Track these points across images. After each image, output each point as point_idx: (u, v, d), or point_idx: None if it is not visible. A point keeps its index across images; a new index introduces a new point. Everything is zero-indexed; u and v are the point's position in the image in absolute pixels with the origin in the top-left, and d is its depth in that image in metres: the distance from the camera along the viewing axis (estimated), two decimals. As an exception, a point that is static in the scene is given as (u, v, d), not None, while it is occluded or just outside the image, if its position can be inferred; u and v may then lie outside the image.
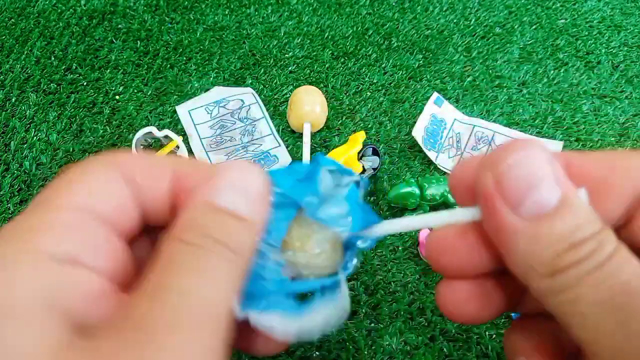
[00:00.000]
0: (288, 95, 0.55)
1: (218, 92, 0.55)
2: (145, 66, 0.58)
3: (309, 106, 0.50)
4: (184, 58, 0.59)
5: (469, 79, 0.58)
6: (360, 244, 0.19)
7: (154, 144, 0.51)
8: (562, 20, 0.66)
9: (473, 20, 0.65)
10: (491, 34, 0.64)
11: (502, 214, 0.14)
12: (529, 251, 0.13)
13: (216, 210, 0.16)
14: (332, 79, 0.57)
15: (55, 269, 0.15)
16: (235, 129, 0.53)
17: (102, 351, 0.13)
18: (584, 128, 0.54)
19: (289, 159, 0.50)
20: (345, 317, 0.19)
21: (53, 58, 0.58)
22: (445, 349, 0.39)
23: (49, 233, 0.15)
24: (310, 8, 0.66)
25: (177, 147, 0.48)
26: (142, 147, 0.48)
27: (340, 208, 0.19)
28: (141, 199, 0.18)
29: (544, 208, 0.13)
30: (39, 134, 0.51)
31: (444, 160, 0.51)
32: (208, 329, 0.14)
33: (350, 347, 0.38)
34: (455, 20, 0.65)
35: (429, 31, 0.64)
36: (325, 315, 0.18)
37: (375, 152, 0.49)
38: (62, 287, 0.14)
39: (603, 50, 0.62)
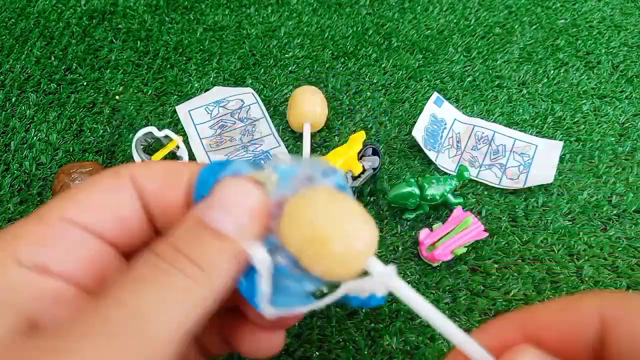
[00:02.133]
0: (288, 95, 0.55)
1: (218, 92, 0.55)
2: (145, 66, 0.58)
3: (309, 106, 0.50)
4: (184, 58, 0.59)
5: (469, 79, 0.58)
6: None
7: (154, 144, 0.51)
8: (562, 20, 0.66)
9: (473, 20, 0.65)
10: (491, 34, 0.64)
11: None
12: None
13: (200, 227, 0.16)
14: (332, 79, 0.57)
15: (19, 273, 0.16)
16: (235, 129, 0.53)
17: (27, 352, 0.14)
18: (584, 128, 0.54)
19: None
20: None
21: (53, 58, 0.58)
22: (445, 349, 0.39)
23: (25, 242, 0.16)
24: (310, 8, 0.66)
25: (177, 147, 0.48)
26: (142, 147, 0.48)
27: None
28: (153, 209, 0.18)
29: None
30: (39, 134, 0.51)
31: (444, 160, 0.51)
32: (134, 347, 0.14)
33: (350, 347, 0.38)
34: (455, 20, 0.65)
35: (429, 31, 0.64)
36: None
37: (375, 152, 0.49)
38: (20, 289, 0.16)
39: (603, 50, 0.62)
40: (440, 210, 0.47)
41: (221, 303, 0.17)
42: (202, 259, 0.16)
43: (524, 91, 0.57)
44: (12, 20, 0.62)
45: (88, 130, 0.52)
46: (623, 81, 0.58)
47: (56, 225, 0.17)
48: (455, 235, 0.43)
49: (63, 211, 0.17)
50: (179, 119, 0.53)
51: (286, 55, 0.60)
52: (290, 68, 0.58)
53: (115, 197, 0.18)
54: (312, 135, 0.51)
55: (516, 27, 0.65)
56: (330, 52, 0.60)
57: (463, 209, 0.45)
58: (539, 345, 0.15)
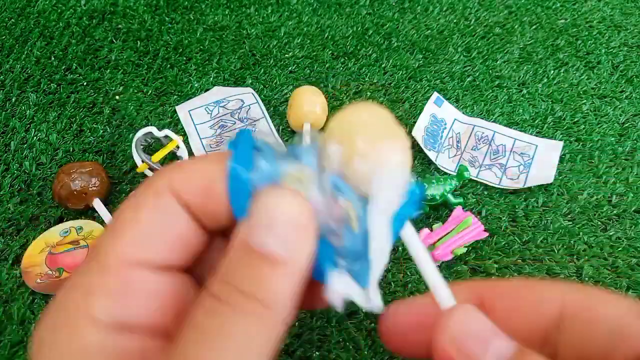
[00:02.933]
0: (288, 95, 0.55)
1: (218, 92, 0.55)
2: (145, 66, 0.58)
3: (309, 106, 0.50)
4: (184, 58, 0.59)
5: (469, 79, 0.58)
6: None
7: (154, 144, 0.51)
8: (562, 20, 0.66)
9: (473, 20, 0.65)
10: (491, 34, 0.64)
11: None
12: None
13: (250, 255, 0.15)
14: (332, 79, 0.57)
15: (98, 335, 0.15)
16: (235, 129, 0.53)
17: None
18: (584, 128, 0.54)
19: (289, 159, 0.50)
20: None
21: (53, 58, 0.58)
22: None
23: (98, 297, 0.15)
24: (310, 8, 0.66)
25: (177, 147, 0.48)
26: (142, 147, 0.48)
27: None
28: (206, 217, 0.17)
29: (504, 357, 0.14)
30: (39, 134, 0.51)
31: (444, 160, 0.51)
32: None
33: (350, 347, 0.38)
34: (455, 20, 0.65)
35: (429, 31, 0.64)
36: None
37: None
38: (103, 354, 0.14)
39: (603, 50, 0.62)
40: (440, 210, 0.47)
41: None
42: (262, 294, 0.14)
43: (524, 91, 0.57)
44: (12, 20, 0.62)
45: (88, 130, 0.52)
46: (623, 81, 0.58)
47: (122, 272, 0.15)
48: (455, 235, 0.43)
49: (122, 253, 0.16)
50: (179, 119, 0.53)
51: (286, 55, 0.60)
52: (290, 68, 0.58)
53: (166, 220, 0.16)
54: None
55: (516, 27, 0.65)
56: (330, 52, 0.60)
57: (463, 209, 0.45)
58: (490, 314, 0.15)
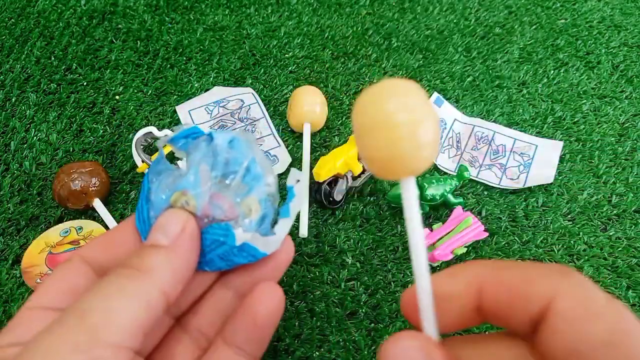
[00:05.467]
0: (288, 95, 0.55)
1: (218, 92, 0.55)
2: (145, 66, 0.58)
3: (309, 106, 0.50)
4: (184, 58, 0.59)
5: (469, 79, 0.58)
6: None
7: (154, 144, 0.51)
8: (562, 20, 0.66)
9: (473, 20, 0.65)
10: (491, 34, 0.64)
11: None
12: None
13: (142, 246, 0.21)
14: (332, 79, 0.57)
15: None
16: (235, 129, 0.53)
17: None
18: (584, 128, 0.54)
19: (289, 159, 0.50)
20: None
21: (53, 58, 0.58)
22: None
23: (3, 335, 0.20)
24: (310, 8, 0.66)
25: (177, 147, 0.48)
26: (142, 147, 0.48)
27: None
28: (109, 262, 0.23)
29: None
30: (39, 134, 0.51)
31: (444, 160, 0.51)
32: (99, 341, 0.17)
33: (350, 347, 0.38)
34: (455, 20, 0.65)
35: (429, 31, 0.64)
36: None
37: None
38: None
39: (603, 50, 0.62)
40: (440, 210, 0.47)
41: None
42: (139, 264, 0.20)
43: (524, 91, 0.57)
44: (12, 20, 0.62)
45: (88, 130, 0.52)
46: (623, 81, 0.58)
47: (24, 313, 0.20)
48: (455, 235, 0.43)
49: (28, 301, 0.21)
50: (179, 119, 0.53)
51: (286, 55, 0.60)
52: (290, 68, 0.58)
53: (66, 275, 0.22)
54: (312, 135, 0.51)
55: (516, 27, 0.65)
56: (330, 52, 0.60)
57: (463, 209, 0.45)
58: (486, 301, 0.17)
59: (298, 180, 0.25)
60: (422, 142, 0.16)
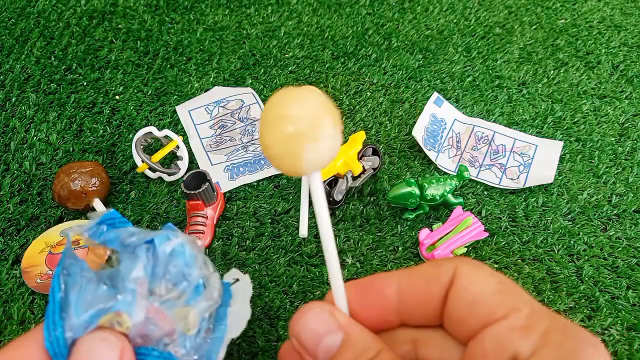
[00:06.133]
0: (288, 95, 0.55)
1: (218, 92, 0.55)
2: (145, 66, 0.58)
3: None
4: (184, 58, 0.59)
5: (469, 79, 0.58)
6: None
7: (154, 144, 0.51)
8: (562, 20, 0.66)
9: (473, 20, 0.65)
10: (491, 34, 0.64)
11: None
12: None
13: None
14: (332, 79, 0.57)
15: None
16: (235, 129, 0.53)
17: None
18: (584, 128, 0.54)
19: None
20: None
21: (53, 58, 0.58)
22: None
23: None
24: (310, 8, 0.66)
25: (177, 147, 0.48)
26: (142, 147, 0.48)
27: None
28: None
29: (332, 351, 0.17)
30: (39, 134, 0.51)
31: (444, 160, 0.51)
32: None
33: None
34: (455, 20, 0.65)
35: (429, 31, 0.64)
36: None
37: (375, 152, 0.49)
38: None
39: (603, 50, 0.62)
40: (440, 210, 0.47)
41: None
42: None
43: (524, 91, 0.57)
44: (12, 20, 0.62)
45: (88, 130, 0.52)
46: (623, 81, 0.58)
47: None
48: (455, 235, 0.43)
49: None
50: (179, 119, 0.53)
51: (286, 55, 0.60)
52: (290, 68, 0.58)
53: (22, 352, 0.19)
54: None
55: (516, 27, 0.65)
56: (330, 52, 0.60)
57: (463, 209, 0.45)
58: (405, 291, 0.19)
59: (236, 280, 0.22)
60: (313, 138, 0.17)
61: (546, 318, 0.16)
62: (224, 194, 0.47)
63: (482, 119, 0.54)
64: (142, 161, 0.47)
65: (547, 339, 0.15)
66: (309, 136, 0.16)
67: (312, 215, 0.46)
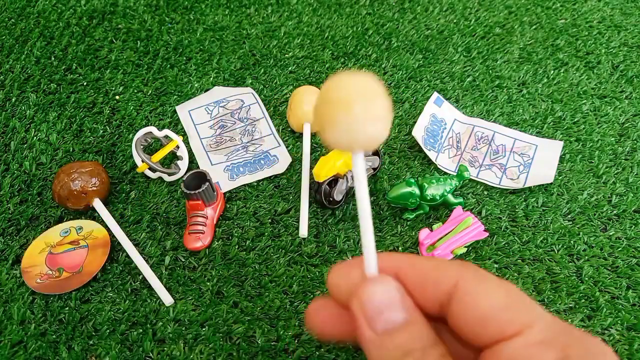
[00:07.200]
0: (288, 95, 0.55)
1: (218, 92, 0.55)
2: (145, 66, 0.58)
3: (309, 106, 0.50)
4: (184, 58, 0.59)
5: (469, 79, 0.58)
6: None
7: (154, 144, 0.51)
8: (562, 20, 0.66)
9: (473, 20, 0.65)
10: (491, 34, 0.64)
11: (363, 329, 0.18)
12: (378, 356, 0.18)
13: None
14: (332, 79, 0.57)
15: None
16: (235, 129, 0.53)
17: None
18: (584, 128, 0.54)
19: (289, 159, 0.50)
20: None
21: (53, 58, 0.58)
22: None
23: None
24: (310, 8, 0.66)
25: (177, 147, 0.48)
26: (142, 147, 0.48)
27: None
28: None
29: (393, 325, 0.18)
30: (39, 134, 0.51)
31: (444, 160, 0.51)
32: None
33: (350, 347, 0.38)
34: (455, 20, 0.65)
35: (429, 31, 0.64)
36: None
37: (375, 152, 0.49)
38: None
39: (603, 50, 0.62)
40: (440, 210, 0.47)
41: None
42: None
43: (524, 91, 0.57)
44: (12, 20, 0.62)
45: (88, 130, 0.52)
46: (623, 81, 0.58)
47: None
48: (455, 235, 0.43)
49: None
50: (179, 119, 0.53)
51: (286, 55, 0.60)
52: (290, 68, 0.58)
53: None
54: (312, 135, 0.51)
55: (516, 27, 0.65)
56: (330, 52, 0.60)
57: (463, 209, 0.45)
58: (401, 282, 0.19)
59: None
60: (368, 119, 0.18)
61: (561, 331, 0.16)
62: (224, 194, 0.47)
63: (482, 119, 0.54)
64: (142, 161, 0.47)
65: (567, 355, 0.15)
66: (367, 115, 0.17)
67: (312, 215, 0.46)
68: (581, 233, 0.45)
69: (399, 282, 0.19)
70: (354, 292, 0.19)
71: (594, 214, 0.47)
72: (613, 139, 0.53)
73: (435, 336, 0.18)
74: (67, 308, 0.40)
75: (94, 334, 0.39)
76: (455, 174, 0.48)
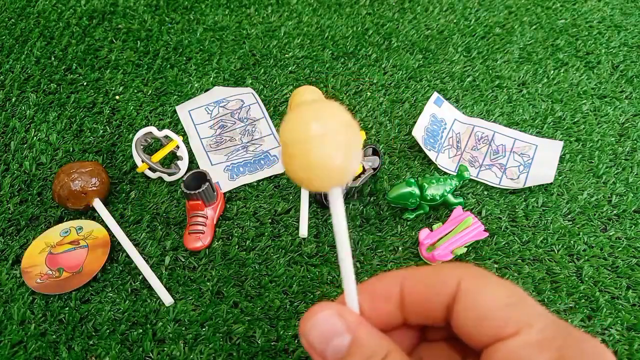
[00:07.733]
0: (288, 95, 0.55)
1: (218, 92, 0.55)
2: (145, 66, 0.58)
3: (309, 106, 0.50)
4: (184, 58, 0.59)
5: (469, 79, 0.58)
6: None
7: (154, 144, 0.51)
8: (562, 20, 0.66)
9: (473, 20, 0.65)
10: (491, 34, 0.64)
11: None
12: None
13: None
14: (332, 79, 0.57)
15: None
16: (235, 129, 0.53)
17: None
18: (584, 128, 0.54)
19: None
20: None
21: (53, 58, 0.58)
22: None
23: None
24: (310, 8, 0.66)
25: (177, 147, 0.48)
26: (142, 147, 0.48)
27: None
28: None
29: (340, 352, 0.18)
30: (39, 134, 0.51)
31: (444, 160, 0.51)
32: None
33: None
34: (455, 20, 0.65)
35: (429, 31, 0.64)
36: None
37: (375, 152, 0.49)
38: None
39: (603, 50, 0.62)
40: (440, 210, 0.47)
41: None
42: None
43: (524, 91, 0.57)
44: (12, 20, 0.62)
45: (88, 130, 0.52)
46: (623, 81, 0.58)
47: None
48: (455, 235, 0.43)
49: None
50: (179, 119, 0.53)
51: (286, 55, 0.60)
52: (290, 68, 0.58)
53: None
54: (312, 135, 0.51)
55: (516, 27, 0.65)
56: (330, 52, 0.60)
57: (463, 209, 0.45)
58: (407, 295, 0.19)
59: None
60: (330, 156, 0.17)
61: (559, 332, 0.16)
62: (224, 194, 0.47)
63: (482, 119, 0.54)
64: (142, 161, 0.47)
65: (562, 355, 0.15)
66: (325, 153, 0.17)
67: (312, 215, 0.46)
68: (581, 233, 0.45)
69: (369, 297, 0.19)
70: (299, 328, 0.19)
71: (594, 214, 0.47)
72: (613, 139, 0.53)
73: (390, 343, 0.18)
74: (67, 308, 0.40)
75: (94, 334, 0.39)
76: (455, 174, 0.48)
